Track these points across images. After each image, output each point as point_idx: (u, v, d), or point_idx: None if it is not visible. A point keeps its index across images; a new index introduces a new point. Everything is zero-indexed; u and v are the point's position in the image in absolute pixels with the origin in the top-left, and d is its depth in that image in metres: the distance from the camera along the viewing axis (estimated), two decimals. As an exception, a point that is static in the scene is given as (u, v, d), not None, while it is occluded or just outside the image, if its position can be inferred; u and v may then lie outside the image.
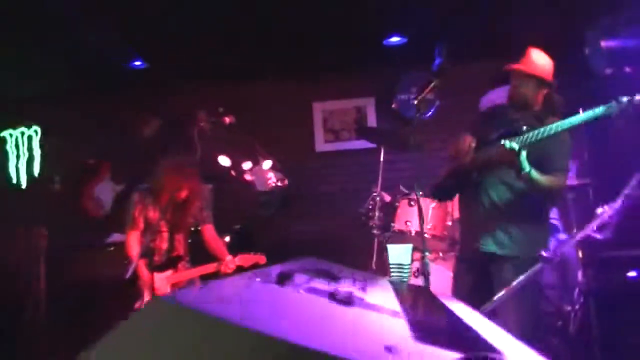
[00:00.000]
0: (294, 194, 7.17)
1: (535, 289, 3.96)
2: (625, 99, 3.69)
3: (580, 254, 5.22)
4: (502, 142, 3.72)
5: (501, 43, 5.75)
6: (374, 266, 5.60)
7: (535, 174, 3.72)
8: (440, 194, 4.64)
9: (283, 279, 1.90)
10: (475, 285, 4.05)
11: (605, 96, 3.81)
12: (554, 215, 5.82)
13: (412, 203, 5.59)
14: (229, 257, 4.99)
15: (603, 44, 5.85)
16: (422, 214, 4.12)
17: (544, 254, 3.17)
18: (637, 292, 4.66)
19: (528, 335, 3.76)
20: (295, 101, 7.53)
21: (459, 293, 4.08)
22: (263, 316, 1.42)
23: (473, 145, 4.09)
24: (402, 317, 1.71)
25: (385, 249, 5.81)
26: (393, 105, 7.15)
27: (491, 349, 1.43)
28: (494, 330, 1.93)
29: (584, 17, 5.88)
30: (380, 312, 1.71)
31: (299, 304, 1.69)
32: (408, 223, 5.58)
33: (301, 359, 1.16)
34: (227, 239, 6.53)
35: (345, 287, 1.99)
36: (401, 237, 5.63)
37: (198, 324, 1.27)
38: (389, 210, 5.77)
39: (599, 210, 3.32)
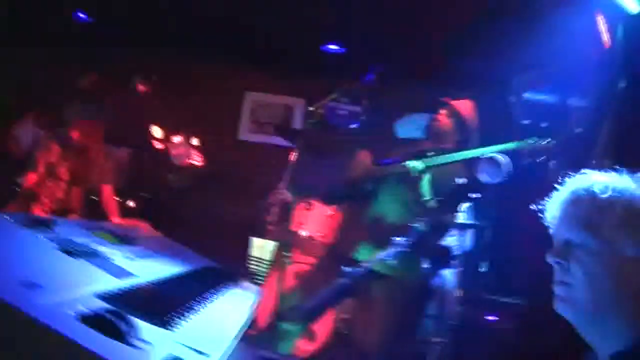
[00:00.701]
0: (209, 175, 7.27)
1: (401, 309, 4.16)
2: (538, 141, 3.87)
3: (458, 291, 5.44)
4: (407, 162, 3.87)
5: (436, 71, 5.96)
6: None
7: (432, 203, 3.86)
8: (330, 198, 4.79)
9: (36, 224, 1.91)
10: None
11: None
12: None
13: (308, 207, 5.73)
14: (115, 219, 5.08)
15: (526, 95, 6.08)
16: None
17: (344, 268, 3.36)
18: (493, 334, 4.86)
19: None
20: (229, 87, 7.63)
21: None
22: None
23: (367, 160, 4.26)
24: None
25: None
26: (321, 111, 7.26)
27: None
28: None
29: (515, 64, 6.09)
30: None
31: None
32: (301, 225, 5.72)
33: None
34: (132, 203, 6.60)
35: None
36: (291, 237, 5.78)
37: None
38: (287, 210, 5.90)
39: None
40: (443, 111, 4.31)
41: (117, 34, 7.20)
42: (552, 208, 1.70)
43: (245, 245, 6.09)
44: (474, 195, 3.79)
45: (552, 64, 5.71)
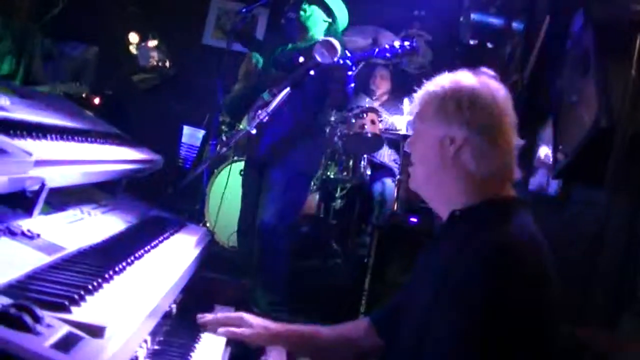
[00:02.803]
0: (172, 77, 7.55)
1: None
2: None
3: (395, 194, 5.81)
4: None
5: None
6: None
7: None
8: (231, 113, 5.16)
9: None
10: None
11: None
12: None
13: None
14: None
15: (473, 16, 6.32)
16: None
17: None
18: (411, 234, 5.21)
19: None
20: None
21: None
22: None
23: (259, 65, 4.62)
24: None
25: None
26: (282, 21, 7.48)
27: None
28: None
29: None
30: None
31: None
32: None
33: None
34: (97, 100, 6.88)
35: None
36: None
37: None
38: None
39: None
40: None
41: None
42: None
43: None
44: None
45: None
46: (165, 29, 7.47)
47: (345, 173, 6.14)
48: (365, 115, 5.74)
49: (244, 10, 4.93)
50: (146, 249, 2.01)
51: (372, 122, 5.75)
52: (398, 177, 5.69)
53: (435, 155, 1.90)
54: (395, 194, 5.75)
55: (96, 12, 7.28)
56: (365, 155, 6.16)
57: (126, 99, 7.36)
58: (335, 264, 5.89)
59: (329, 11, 4.66)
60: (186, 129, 6.21)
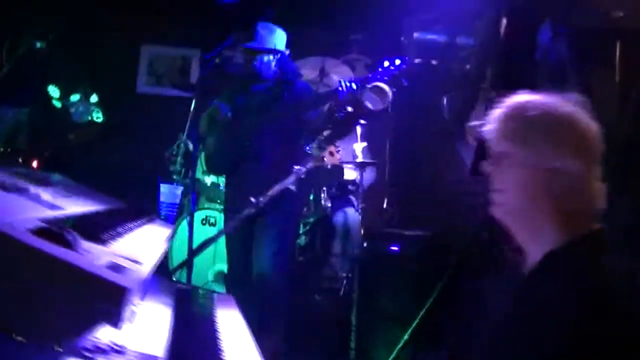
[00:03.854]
0: (110, 130, 7.29)
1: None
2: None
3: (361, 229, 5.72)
4: None
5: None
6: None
7: None
8: (217, 169, 5.07)
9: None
10: None
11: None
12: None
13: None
14: None
15: (415, 35, 6.36)
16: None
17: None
18: (396, 263, 5.17)
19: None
20: (124, 39, 7.59)
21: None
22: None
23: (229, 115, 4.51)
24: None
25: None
26: (216, 61, 7.34)
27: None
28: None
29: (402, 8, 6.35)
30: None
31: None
32: (204, 173, 5.91)
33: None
34: (35, 164, 6.57)
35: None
36: (198, 185, 5.95)
37: None
38: (190, 159, 6.02)
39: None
40: None
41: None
42: (490, 124, 1.91)
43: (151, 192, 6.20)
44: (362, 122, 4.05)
45: (440, 5, 6.00)
46: (96, 80, 7.21)
47: (306, 209, 6.02)
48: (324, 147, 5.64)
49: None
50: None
51: (331, 153, 5.65)
52: (362, 205, 5.61)
53: (530, 183, 1.80)
54: (361, 222, 5.67)
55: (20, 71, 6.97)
56: (324, 188, 6.07)
57: (66, 158, 7.06)
58: (313, 301, 5.75)
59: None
60: (163, 187, 5.99)
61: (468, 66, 5.76)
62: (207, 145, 4.80)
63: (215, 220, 6.07)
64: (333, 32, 7.20)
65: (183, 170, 5.93)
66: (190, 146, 6.07)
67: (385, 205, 6.66)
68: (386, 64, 4.20)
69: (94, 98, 7.15)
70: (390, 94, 3.84)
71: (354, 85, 4.16)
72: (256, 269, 4.34)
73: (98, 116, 7.08)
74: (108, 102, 7.26)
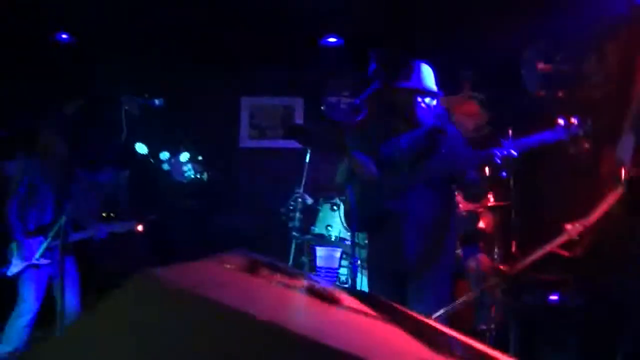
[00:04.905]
0: (214, 188, 7.01)
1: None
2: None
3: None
4: None
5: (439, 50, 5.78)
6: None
7: None
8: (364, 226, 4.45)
9: (253, 269, 1.75)
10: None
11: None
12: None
13: (335, 207, 5.52)
14: None
15: (539, 66, 5.93)
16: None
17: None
18: (557, 314, 4.69)
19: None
20: (223, 93, 7.33)
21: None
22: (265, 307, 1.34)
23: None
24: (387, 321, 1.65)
25: (306, 252, 5.73)
26: (322, 107, 7.05)
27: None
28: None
29: (523, 37, 5.95)
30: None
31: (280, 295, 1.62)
32: (329, 227, 5.50)
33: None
34: (140, 227, 6.30)
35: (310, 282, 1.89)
36: (320, 240, 5.55)
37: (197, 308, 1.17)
38: (310, 213, 5.67)
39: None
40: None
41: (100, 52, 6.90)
42: None
43: (275, 255, 5.86)
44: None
45: (564, 32, 5.57)
46: (197, 137, 6.95)
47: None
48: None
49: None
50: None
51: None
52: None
53: None
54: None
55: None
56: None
57: (174, 222, 6.80)
58: None
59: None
60: (319, 251, 5.58)
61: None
62: (347, 198, 4.30)
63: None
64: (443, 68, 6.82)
65: (303, 226, 5.57)
66: (309, 200, 5.76)
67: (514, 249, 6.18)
68: (560, 122, 3.70)
69: (184, 156, 6.87)
70: None
71: (513, 152, 3.68)
72: None
73: (203, 175, 6.78)
74: (210, 159, 6.97)
